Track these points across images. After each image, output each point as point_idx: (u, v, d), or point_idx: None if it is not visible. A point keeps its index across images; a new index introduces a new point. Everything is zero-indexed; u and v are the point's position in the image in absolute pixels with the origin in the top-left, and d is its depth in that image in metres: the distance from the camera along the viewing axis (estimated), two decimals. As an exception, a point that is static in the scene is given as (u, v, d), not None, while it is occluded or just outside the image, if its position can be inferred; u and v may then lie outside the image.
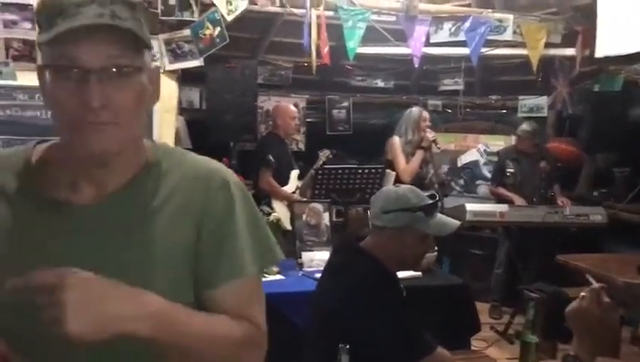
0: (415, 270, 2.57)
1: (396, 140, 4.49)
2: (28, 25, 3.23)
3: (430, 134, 4.43)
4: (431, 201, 1.93)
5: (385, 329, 1.72)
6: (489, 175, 5.48)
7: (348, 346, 1.79)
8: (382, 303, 1.76)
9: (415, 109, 4.63)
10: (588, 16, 4.35)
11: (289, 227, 3.97)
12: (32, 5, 3.20)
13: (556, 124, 5.81)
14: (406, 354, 1.72)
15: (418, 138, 4.44)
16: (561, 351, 2.94)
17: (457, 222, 1.98)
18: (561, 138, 5.63)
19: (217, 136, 4.54)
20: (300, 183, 4.46)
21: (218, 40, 3.69)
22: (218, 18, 3.67)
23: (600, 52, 4.16)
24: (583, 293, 1.41)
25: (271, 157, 4.22)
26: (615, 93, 5.14)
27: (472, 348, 3.40)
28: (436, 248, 3.31)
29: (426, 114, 4.59)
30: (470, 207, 4.67)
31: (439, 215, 1.95)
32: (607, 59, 4.37)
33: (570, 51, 5.03)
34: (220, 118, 4.50)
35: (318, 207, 3.51)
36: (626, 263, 3.56)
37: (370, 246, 1.94)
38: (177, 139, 3.97)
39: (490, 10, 4.84)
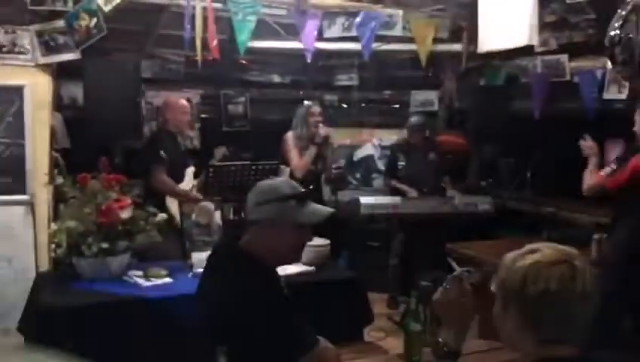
0: (295, 262, 2.54)
1: (289, 136, 4.46)
2: None
3: (323, 130, 4.42)
4: (302, 190, 1.92)
5: (262, 328, 1.66)
6: (384, 168, 5.59)
7: (226, 347, 1.73)
8: (258, 301, 1.70)
9: (305, 104, 4.62)
10: (472, 12, 4.51)
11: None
12: None
13: (446, 118, 6.03)
14: (286, 352, 1.68)
15: (309, 133, 4.43)
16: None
17: (329, 209, 1.95)
18: (451, 130, 5.85)
19: (97, 135, 4.25)
20: (195, 182, 4.31)
21: (95, 31, 3.46)
22: (94, 8, 3.44)
23: (482, 47, 4.31)
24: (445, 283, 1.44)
25: (163, 154, 4.03)
26: (499, 87, 5.41)
27: (368, 339, 3.43)
28: (329, 241, 3.32)
29: (316, 109, 4.58)
30: (364, 200, 4.74)
31: (312, 204, 1.92)
32: (490, 55, 4.56)
33: (457, 47, 5.21)
34: (99, 115, 4.23)
35: (209, 205, 3.41)
36: (511, 248, 3.73)
37: (248, 243, 1.87)
38: (53, 139, 3.68)
39: (380, 6, 4.90)
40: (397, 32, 4.91)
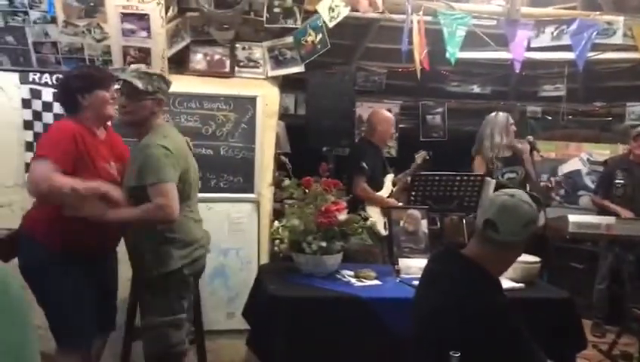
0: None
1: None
2: (144, 33, 3.43)
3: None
4: None
5: (495, 338, 1.69)
6: (592, 185, 5.22)
7: (458, 354, 1.78)
8: (503, 314, 1.73)
9: (501, 114, 4.57)
10: None
11: (384, 232, 3.97)
12: (148, 15, 3.39)
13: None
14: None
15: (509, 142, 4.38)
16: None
17: None
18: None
19: (315, 141, 4.60)
20: (393, 189, 4.45)
21: (319, 46, 3.75)
22: (320, 25, 3.73)
23: None
24: None
25: (364, 165, 4.23)
26: None
27: (577, 366, 3.24)
28: (540, 259, 3.20)
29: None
30: (573, 218, 4.46)
31: None
32: None
33: (687, 55, 4.70)
34: (318, 123, 4.56)
35: (417, 213, 3.48)
36: None
37: (477, 255, 1.92)
38: (277, 144, 4.06)
39: (597, 13, 4.61)
40: (616, 39, 4.56)
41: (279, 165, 3.80)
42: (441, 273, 2.03)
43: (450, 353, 1.78)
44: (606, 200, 4.68)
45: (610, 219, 4.41)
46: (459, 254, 2.03)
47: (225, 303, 3.76)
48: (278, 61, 3.78)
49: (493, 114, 4.61)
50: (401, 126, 5.93)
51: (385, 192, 4.40)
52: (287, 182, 3.19)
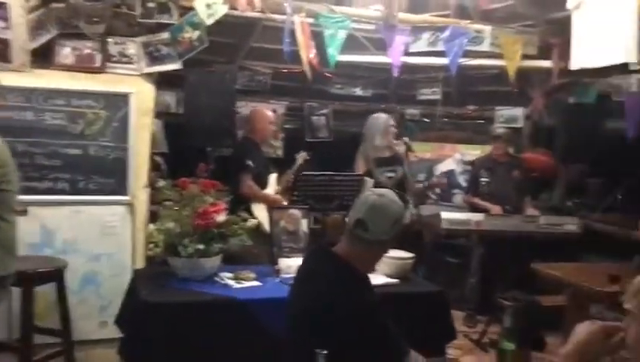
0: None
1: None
2: (2, 23, 3.17)
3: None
4: None
5: (366, 333, 1.72)
6: (465, 184, 5.53)
7: (325, 352, 1.79)
8: (362, 307, 1.76)
9: (382, 116, 4.73)
10: (562, 29, 4.43)
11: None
12: (7, 3, 3.14)
13: (532, 135, 5.89)
14: (385, 358, 1.72)
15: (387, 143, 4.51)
16: (535, 360, 2.97)
17: None
18: (536, 148, 5.71)
19: (195, 141, 4.47)
20: (279, 188, 4.45)
21: (197, 43, 3.66)
22: (197, 22, 3.64)
23: (575, 64, 4.21)
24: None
25: (250, 162, 4.20)
26: (589, 105, 5.24)
27: (447, 355, 3.40)
28: (413, 255, 3.33)
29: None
30: (445, 215, 4.70)
31: None
32: (581, 72, 4.45)
33: (545, 63, 5.11)
34: (197, 122, 4.45)
35: (297, 213, 3.49)
36: (599, 272, 3.62)
37: (346, 252, 1.95)
38: (154, 143, 3.91)
39: (468, 22, 4.89)
40: (484, 47, 4.87)
41: (155, 166, 3.67)
42: (313, 272, 2.05)
43: (317, 351, 1.79)
44: (475, 198, 4.97)
45: (480, 216, 4.70)
46: (330, 253, 2.05)
47: (97, 312, 3.57)
48: (154, 57, 3.65)
49: (374, 115, 4.75)
50: (287, 127, 5.95)
51: (270, 191, 4.39)
52: (161, 183, 3.07)
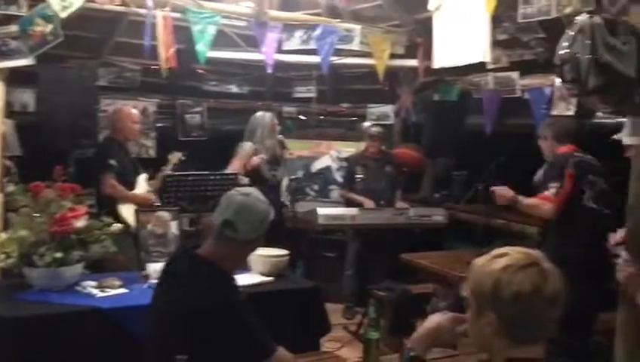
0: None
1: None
2: None
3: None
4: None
5: (223, 335, 1.67)
6: (341, 180, 5.65)
7: (186, 356, 1.72)
8: (219, 309, 1.72)
9: (267, 114, 4.69)
10: (427, 29, 4.64)
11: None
12: None
13: (402, 131, 6.15)
14: (246, 358, 1.69)
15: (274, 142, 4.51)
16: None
17: None
18: (406, 144, 5.96)
19: (51, 142, 4.14)
20: (151, 188, 4.25)
21: (51, 37, 3.39)
22: (51, 14, 3.37)
23: (437, 63, 4.44)
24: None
25: (112, 161, 3.98)
26: (452, 102, 5.55)
27: (324, 349, 3.44)
28: (288, 252, 3.33)
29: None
30: (322, 211, 4.77)
31: None
32: (445, 70, 4.69)
33: (412, 62, 5.33)
34: (53, 122, 4.12)
35: (165, 215, 3.36)
36: (461, 259, 3.85)
37: (209, 252, 1.90)
38: (4, 145, 3.58)
39: (338, 20, 4.99)
40: (355, 46, 4.99)
41: (5, 170, 3.36)
42: (176, 275, 1.98)
43: (178, 357, 1.72)
44: (351, 193, 5.09)
45: (354, 210, 4.83)
46: (194, 255, 2.00)
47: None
48: (2, 52, 3.33)
49: (259, 114, 4.69)
50: (158, 125, 5.71)
51: (139, 192, 4.18)
52: (11, 188, 2.82)
